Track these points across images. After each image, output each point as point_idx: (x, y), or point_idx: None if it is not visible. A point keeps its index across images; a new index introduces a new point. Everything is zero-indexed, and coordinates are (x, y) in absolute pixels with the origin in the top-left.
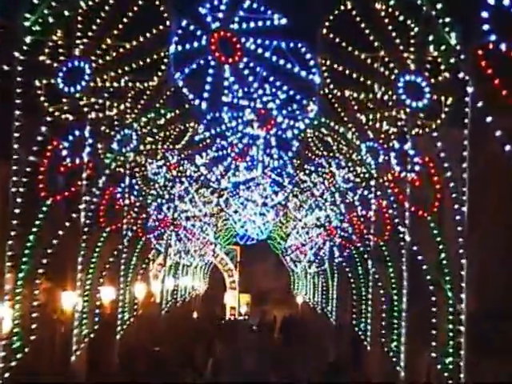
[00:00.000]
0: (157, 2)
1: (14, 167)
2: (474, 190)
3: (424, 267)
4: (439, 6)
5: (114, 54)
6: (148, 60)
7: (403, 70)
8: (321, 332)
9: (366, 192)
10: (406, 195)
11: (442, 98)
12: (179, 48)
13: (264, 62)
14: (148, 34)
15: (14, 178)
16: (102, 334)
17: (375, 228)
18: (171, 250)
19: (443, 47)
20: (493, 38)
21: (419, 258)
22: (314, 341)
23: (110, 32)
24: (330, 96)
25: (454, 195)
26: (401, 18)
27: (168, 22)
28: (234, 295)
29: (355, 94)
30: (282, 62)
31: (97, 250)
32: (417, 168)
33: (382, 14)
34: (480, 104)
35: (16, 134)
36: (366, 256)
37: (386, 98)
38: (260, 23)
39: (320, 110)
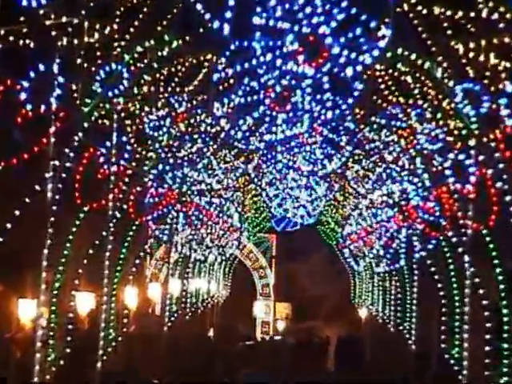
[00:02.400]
0: None
1: None
2: None
3: None
4: None
5: None
6: None
7: None
8: (395, 361)
9: (461, 156)
10: None
11: None
12: None
13: None
14: None
15: None
16: (77, 361)
17: (475, 209)
18: (178, 239)
19: None
20: None
21: None
22: (384, 374)
23: None
24: (411, 15)
25: None
26: None
27: None
28: (268, 305)
29: (448, 12)
30: None
31: (70, 238)
32: None
33: None
34: None
35: None
36: (461, 249)
37: (494, 17)
38: None
39: (395, 37)
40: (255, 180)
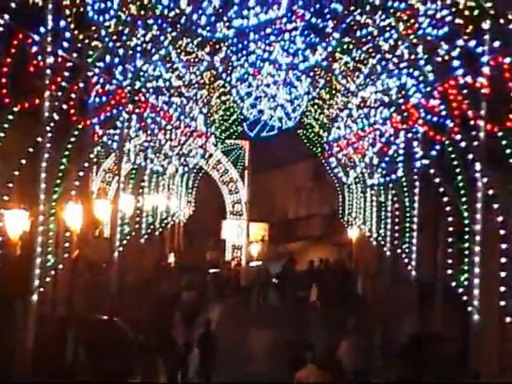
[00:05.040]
0: None
1: None
2: None
3: None
4: None
5: None
6: None
7: None
8: (393, 292)
9: (472, 43)
10: None
11: None
12: None
13: None
14: None
15: None
16: (7, 294)
17: (488, 107)
18: (130, 147)
19: None
20: None
21: None
22: (377, 306)
23: None
24: None
25: None
26: None
27: None
28: (240, 226)
29: None
30: None
31: None
32: None
33: None
34: None
35: None
36: (471, 156)
37: None
38: None
39: None
40: (223, 75)
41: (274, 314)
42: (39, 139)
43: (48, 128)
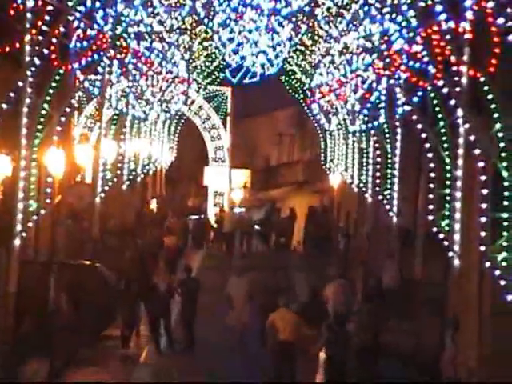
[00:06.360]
0: None
1: None
2: None
3: None
4: None
5: None
6: None
7: None
8: (375, 238)
9: None
10: None
11: None
12: None
13: None
14: None
15: None
16: None
17: (471, 52)
18: (112, 93)
19: None
20: None
21: None
22: (359, 252)
23: None
24: None
25: None
26: None
27: None
28: (222, 172)
29: None
30: None
31: None
32: None
33: None
34: None
35: None
36: (453, 102)
37: None
38: None
39: None
40: (205, 21)
41: (256, 261)
42: (20, 84)
43: (29, 72)
